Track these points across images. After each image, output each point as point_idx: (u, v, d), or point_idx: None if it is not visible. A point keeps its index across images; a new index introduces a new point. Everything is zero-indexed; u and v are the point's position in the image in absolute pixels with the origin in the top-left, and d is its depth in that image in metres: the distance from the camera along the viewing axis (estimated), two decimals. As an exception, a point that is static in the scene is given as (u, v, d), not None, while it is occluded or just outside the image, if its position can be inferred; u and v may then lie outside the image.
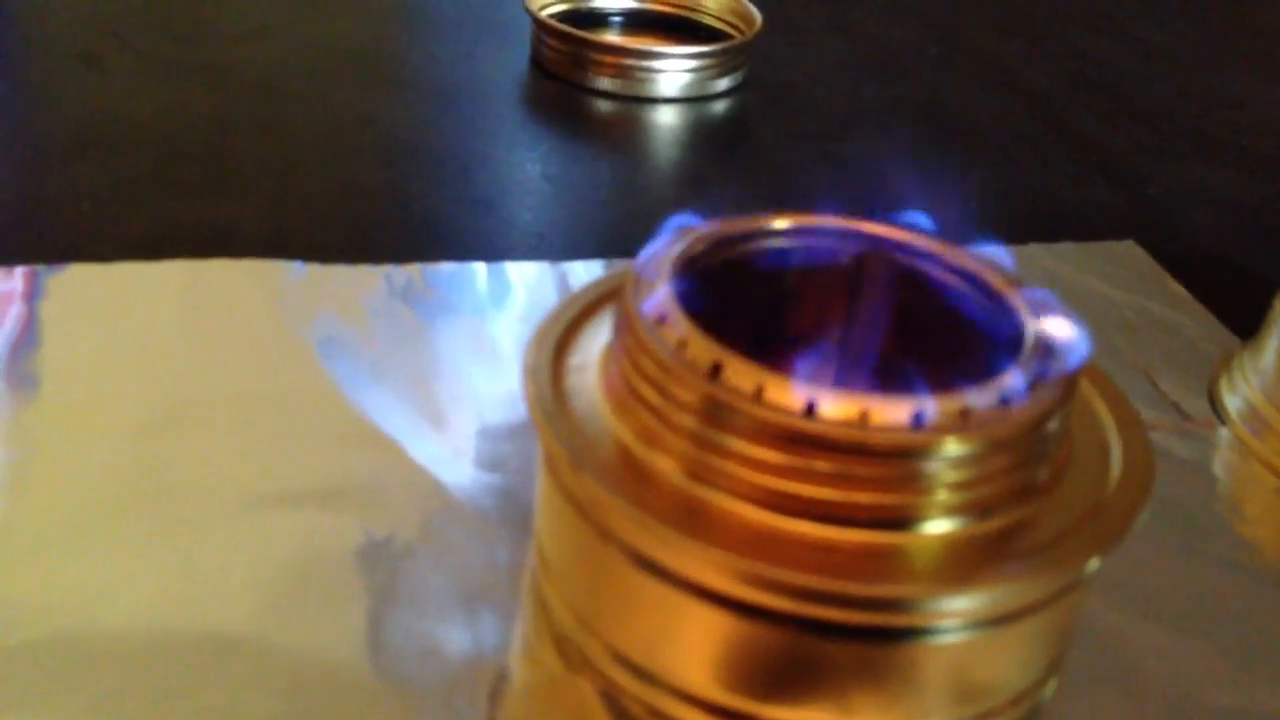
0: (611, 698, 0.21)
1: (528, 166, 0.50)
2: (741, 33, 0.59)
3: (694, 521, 0.19)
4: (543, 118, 0.56)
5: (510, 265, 0.41)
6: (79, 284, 0.38)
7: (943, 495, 0.19)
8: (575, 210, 0.48)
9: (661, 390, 0.20)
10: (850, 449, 0.18)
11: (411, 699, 0.26)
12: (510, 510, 0.31)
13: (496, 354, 0.37)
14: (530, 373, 0.21)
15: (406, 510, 0.31)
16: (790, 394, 0.19)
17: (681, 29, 0.61)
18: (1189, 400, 0.38)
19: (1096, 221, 0.50)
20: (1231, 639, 0.30)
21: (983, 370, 0.20)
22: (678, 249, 0.22)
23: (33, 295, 0.37)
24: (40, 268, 0.38)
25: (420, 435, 0.33)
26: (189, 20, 0.61)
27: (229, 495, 0.31)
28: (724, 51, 0.57)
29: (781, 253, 0.24)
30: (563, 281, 0.41)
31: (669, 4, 0.62)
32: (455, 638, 0.27)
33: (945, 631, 0.19)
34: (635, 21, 0.62)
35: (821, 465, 0.18)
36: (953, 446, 0.19)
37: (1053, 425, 0.20)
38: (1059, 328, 0.21)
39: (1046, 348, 0.20)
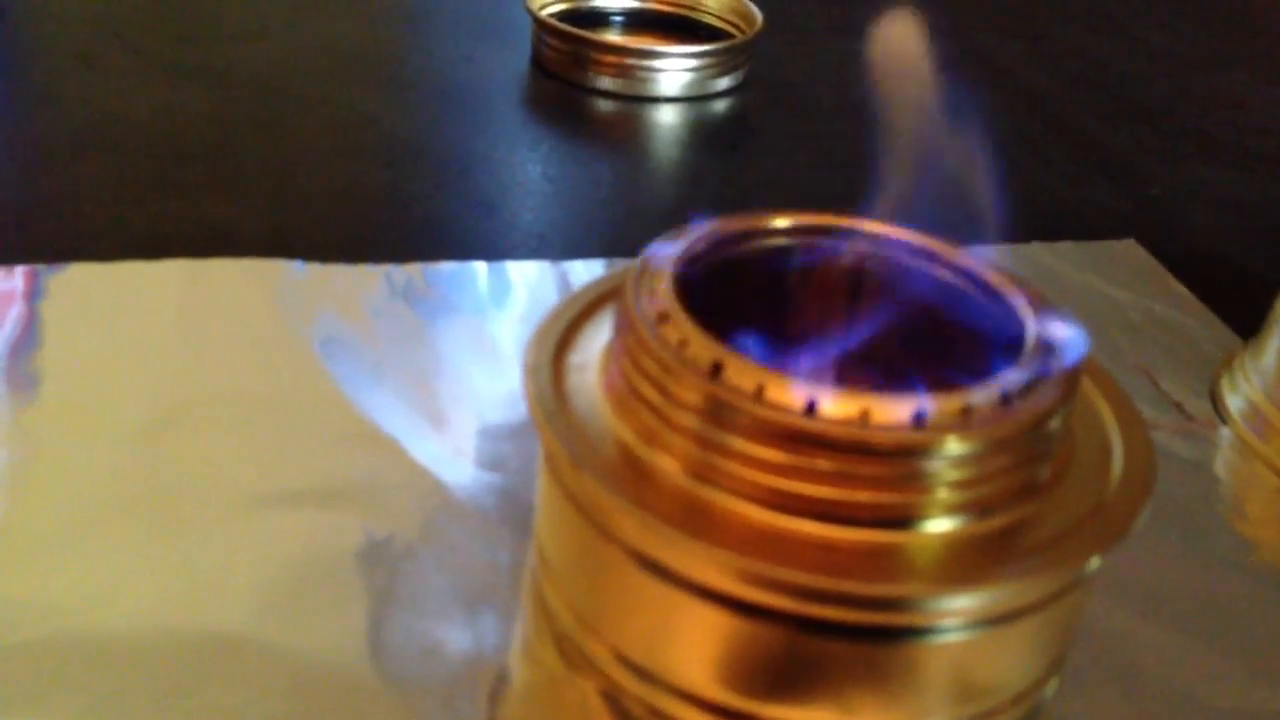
0: (612, 698, 0.21)
1: (528, 166, 0.50)
2: (742, 32, 0.59)
3: (695, 521, 0.19)
4: (543, 117, 0.56)
5: (511, 264, 0.41)
6: (79, 284, 0.38)
7: (944, 494, 0.19)
8: (576, 209, 0.48)
9: (662, 389, 0.20)
10: (851, 448, 0.18)
11: (412, 699, 0.26)
12: (511, 510, 0.31)
13: (497, 353, 0.37)
14: (531, 372, 0.21)
15: (407, 510, 0.31)
16: (791, 393, 0.19)
17: (682, 28, 0.61)
18: (1191, 400, 0.38)
19: (1098, 221, 0.50)
20: (1233, 639, 0.30)
21: (984, 369, 0.20)
22: (679, 248, 0.22)
23: (33, 295, 0.37)
24: (41, 267, 0.38)
25: (421, 435, 0.33)
26: (189, 20, 0.61)
27: (229, 495, 0.31)
28: (725, 51, 0.57)
29: (782, 251, 0.24)
30: (563, 281, 0.41)
31: (669, 3, 0.62)
32: (456, 638, 0.27)
33: (946, 631, 0.19)
34: (636, 21, 0.62)
35: (822, 464, 0.18)
36: (954, 445, 0.18)
37: (1054, 424, 0.20)
38: (1059, 326, 0.21)
39: (1047, 346, 0.20)
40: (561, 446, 0.20)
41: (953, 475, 0.19)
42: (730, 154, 0.54)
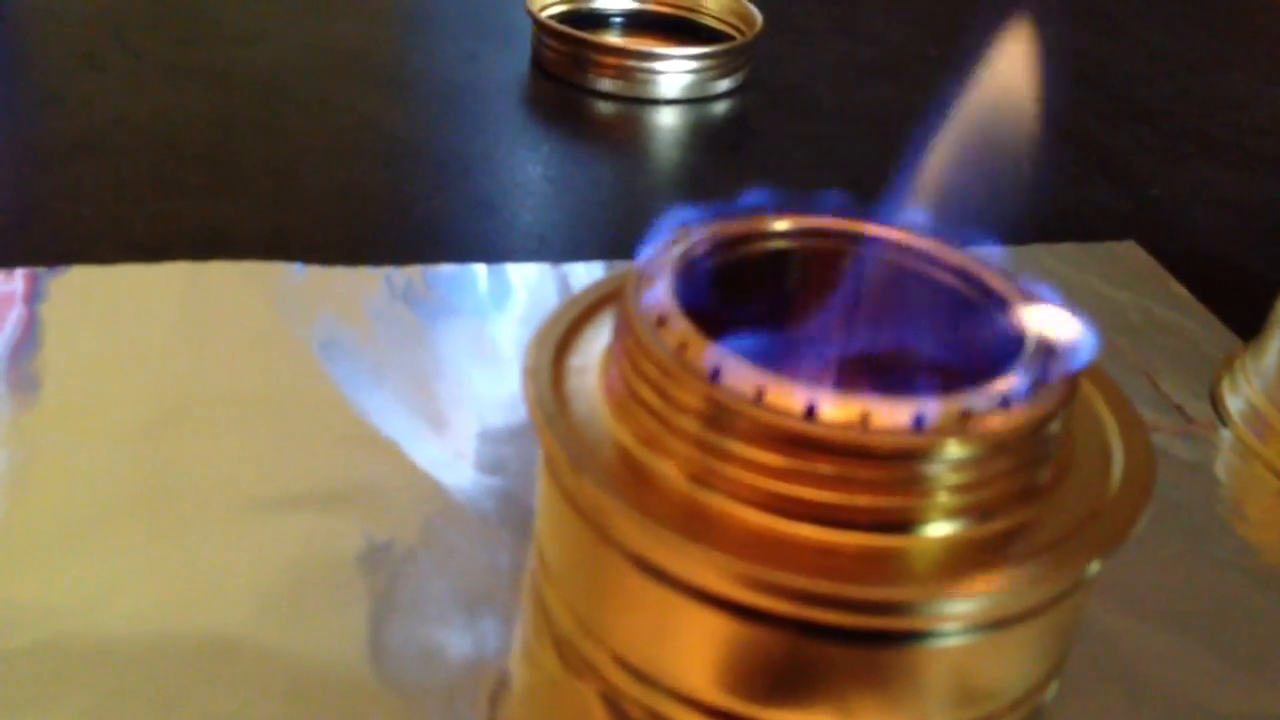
0: (612, 701, 0.21)
1: (528, 168, 0.50)
2: (742, 34, 0.59)
3: (694, 524, 0.19)
4: (543, 119, 0.56)
5: (511, 267, 0.41)
6: (79, 286, 0.38)
7: (943, 498, 0.19)
8: (576, 211, 0.48)
9: (662, 393, 0.20)
10: (851, 452, 0.18)
11: (412, 702, 0.26)
12: (511, 513, 0.31)
13: (497, 356, 0.37)
14: (531, 375, 0.21)
15: (407, 513, 0.31)
16: (791, 397, 0.19)
17: (682, 30, 0.61)
18: (1191, 402, 0.38)
19: (1098, 222, 0.50)
20: (1233, 642, 0.30)
21: (984, 372, 0.20)
22: (678, 250, 0.22)
23: (33, 297, 0.37)
24: (41, 270, 0.38)
25: (420, 437, 0.33)
26: (190, 22, 0.61)
27: (229, 498, 0.31)
28: (725, 53, 0.57)
29: (782, 254, 0.24)
30: (563, 283, 0.41)
31: (669, 5, 0.62)
32: (456, 641, 0.27)
33: (946, 635, 0.19)
34: (636, 22, 0.62)
35: (822, 468, 0.18)
36: (953, 449, 0.18)
37: (1054, 427, 0.20)
38: (1061, 329, 0.21)
39: (1048, 349, 0.20)
40: (561, 450, 0.20)
41: (952, 479, 0.19)
42: (730, 155, 0.54)
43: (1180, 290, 0.44)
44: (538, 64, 0.59)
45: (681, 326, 0.20)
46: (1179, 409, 0.38)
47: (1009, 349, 0.21)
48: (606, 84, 0.56)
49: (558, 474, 0.21)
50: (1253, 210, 0.52)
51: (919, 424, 0.18)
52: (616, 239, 0.45)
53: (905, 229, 0.23)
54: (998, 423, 0.19)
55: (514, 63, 0.59)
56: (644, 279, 0.21)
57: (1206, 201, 0.53)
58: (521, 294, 0.40)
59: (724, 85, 0.58)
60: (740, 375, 0.19)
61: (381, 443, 0.33)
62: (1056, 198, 0.52)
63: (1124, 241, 0.47)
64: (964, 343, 0.23)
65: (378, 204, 0.46)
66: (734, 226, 0.23)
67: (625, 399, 0.20)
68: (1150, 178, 0.54)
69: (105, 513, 0.30)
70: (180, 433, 0.33)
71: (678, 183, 0.52)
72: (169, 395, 0.34)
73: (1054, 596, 0.20)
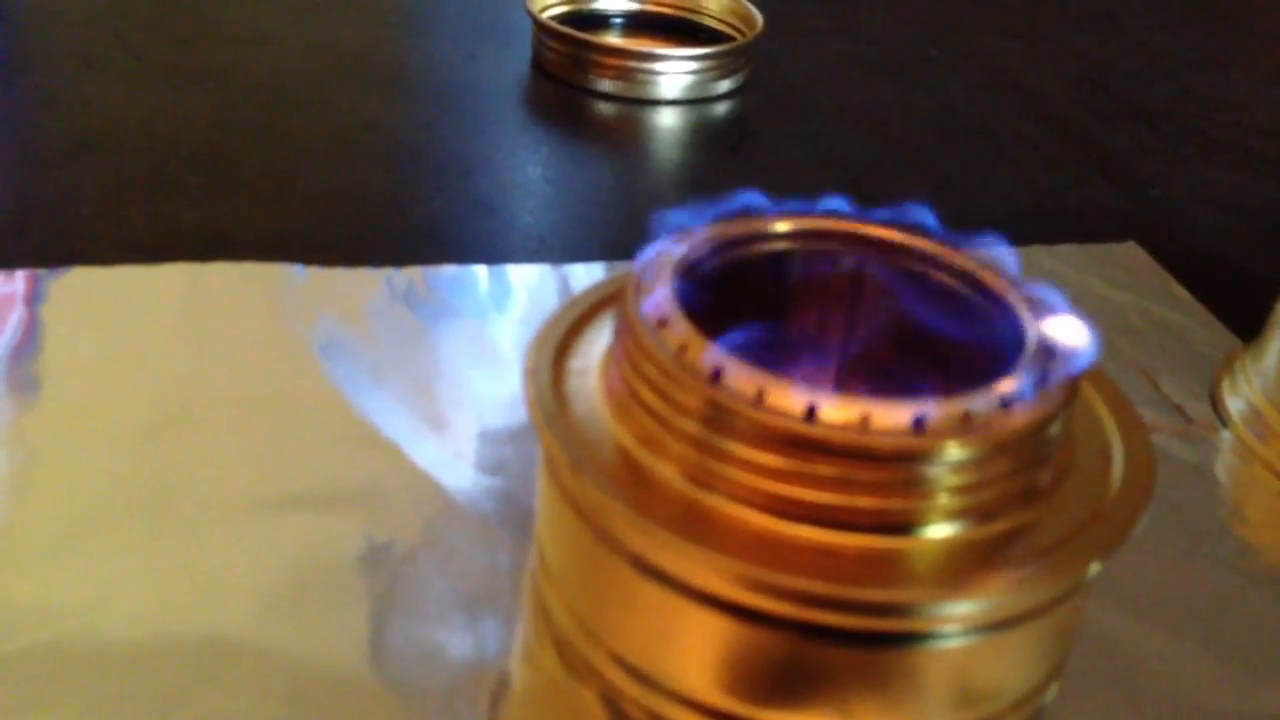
0: (612, 702, 0.21)
1: (529, 169, 0.50)
2: (743, 34, 0.59)
3: (695, 526, 0.19)
4: (544, 120, 0.56)
5: (511, 268, 0.41)
6: (80, 287, 0.38)
7: (944, 499, 0.19)
8: (576, 212, 0.48)
9: (662, 394, 0.20)
10: (851, 453, 0.18)
11: (413, 703, 0.26)
12: (511, 514, 0.31)
13: (497, 357, 0.37)
14: (531, 376, 0.21)
15: (407, 514, 0.31)
16: (791, 398, 0.19)
17: (682, 30, 0.61)
18: (1191, 403, 0.38)
19: (1098, 223, 0.50)
20: (1234, 642, 0.30)
21: (984, 374, 0.20)
22: (678, 252, 0.22)
23: (34, 299, 0.37)
24: (41, 271, 0.38)
25: (421, 438, 0.33)
26: (190, 23, 0.61)
27: (229, 499, 0.31)
28: (725, 53, 0.57)
29: (783, 255, 0.24)
30: (564, 284, 0.41)
31: (670, 6, 0.62)
32: (456, 642, 0.27)
33: (946, 636, 0.19)
34: (636, 23, 0.62)
35: (822, 470, 0.18)
36: (954, 451, 0.18)
37: (1054, 429, 0.20)
38: (1062, 330, 0.21)
39: (1048, 351, 0.20)
40: (561, 451, 0.20)
41: (953, 481, 0.19)
42: (731, 156, 0.54)
43: (1180, 291, 0.44)
44: (538, 65, 0.59)
45: (682, 328, 0.20)
46: (1179, 410, 0.38)
47: (1009, 350, 0.21)
48: (607, 85, 0.57)
49: (558, 475, 0.21)
50: (1253, 211, 0.52)
51: (919, 425, 0.18)
52: (617, 240, 0.45)
53: (906, 230, 0.23)
54: (998, 424, 0.19)
55: (514, 64, 0.60)
56: (644, 280, 0.21)
57: (1207, 202, 0.53)
58: (522, 295, 0.40)
59: (724, 86, 0.58)
60: (741, 377, 0.19)
61: (382, 443, 0.33)
62: (1057, 198, 0.52)
63: (1124, 242, 0.47)
64: (964, 344, 0.23)
65: (378, 205, 0.46)
66: (734, 228, 0.23)
67: (625, 400, 0.20)
68: (1150, 178, 0.54)
69: (105, 514, 0.30)
70: (181, 434, 0.33)
71: (678, 183, 0.52)
72: (169, 396, 0.34)
73: (1054, 598, 0.20)
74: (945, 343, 0.23)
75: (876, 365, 0.24)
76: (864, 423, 0.18)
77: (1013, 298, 0.22)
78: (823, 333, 0.24)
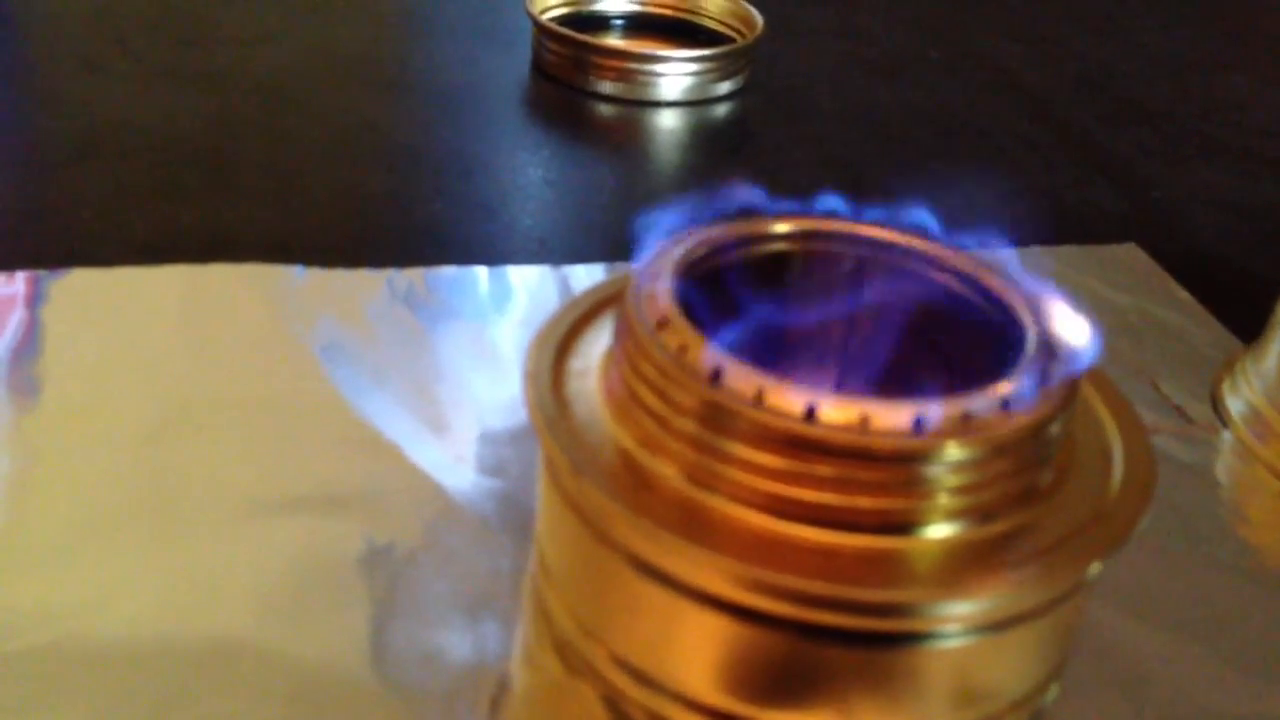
0: (613, 703, 0.21)
1: (529, 170, 0.50)
2: (743, 36, 0.59)
3: (695, 527, 0.19)
4: (544, 121, 0.56)
5: (512, 269, 0.41)
6: (81, 289, 0.38)
7: (944, 500, 0.19)
8: (577, 214, 0.48)
9: (662, 395, 0.20)
10: (851, 454, 0.18)
11: (413, 705, 0.26)
12: (512, 515, 0.31)
13: (498, 358, 0.37)
14: (531, 378, 0.21)
15: (408, 516, 0.31)
16: (791, 398, 0.19)
17: (683, 32, 0.61)
18: (1191, 404, 0.38)
19: (1098, 224, 0.50)
20: (1234, 643, 0.30)
21: (984, 374, 0.20)
22: (678, 252, 0.22)
23: (34, 300, 0.37)
24: (42, 273, 0.38)
25: (421, 440, 0.33)
26: (191, 25, 0.61)
27: (230, 501, 0.31)
28: (725, 55, 0.57)
29: (783, 256, 0.24)
30: (564, 285, 0.41)
31: (670, 7, 0.62)
32: (457, 644, 0.27)
33: (947, 636, 0.19)
34: (636, 25, 0.62)
35: (822, 470, 0.18)
36: (954, 451, 0.18)
37: (1054, 429, 0.20)
38: (1062, 331, 0.21)
39: (1048, 351, 0.20)
40: (561, 452, 0.20)
41: (953, 481, 0.19)
42: (731, 158, 0.54)
43: (1181, 292, 0.44)
44: (538, 66, 0.59)
45: (682, 329, 0.20)
46: (1179, 411, 0.38)
47: (1010, 351, 0.21)
48: (607, 86, 0.57)
49: (558, 477, 0.21)
50: (1253, 212, 0.52)
51: (919, 426, 0.18)
52: (617, 241, 0.45)
53: (906, 231, 0.23)
54: (998, 425, 0.19)
55: (514, 65, 0.60)
56: (644, 282, 0.21)
57: (1207, 204, 0.53)
58: (522, 296, 0.40)
59: (724, 87, 0.58)
60: (740, 377, 0.19)
61: (382, 445, 0.33)
62: (1057, 200, 0.52)
63: (1125, 244, 0.47)
64: (964, 344, 0.23)
65: (378, 207, 0.46)
66: (734, 229, 0.23)
67: (626, 401, 0.20)
68: (1151, 180, 0.54)
69: (106, 516, 0.30)
70: (181, 435, 0.33)
71: (678, 185, 0.52)
72: (170, 398, 0.34)
73: (1054, 598, 0.20)
74: (945, 343, 0.23)
75: (876, 365, 0.24)
76: (864, 423, 0.18)
77: (1013, 298, 0.22)
78: (822, 333, 0.24)
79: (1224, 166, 0.56)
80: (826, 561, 0.18)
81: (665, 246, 0.22)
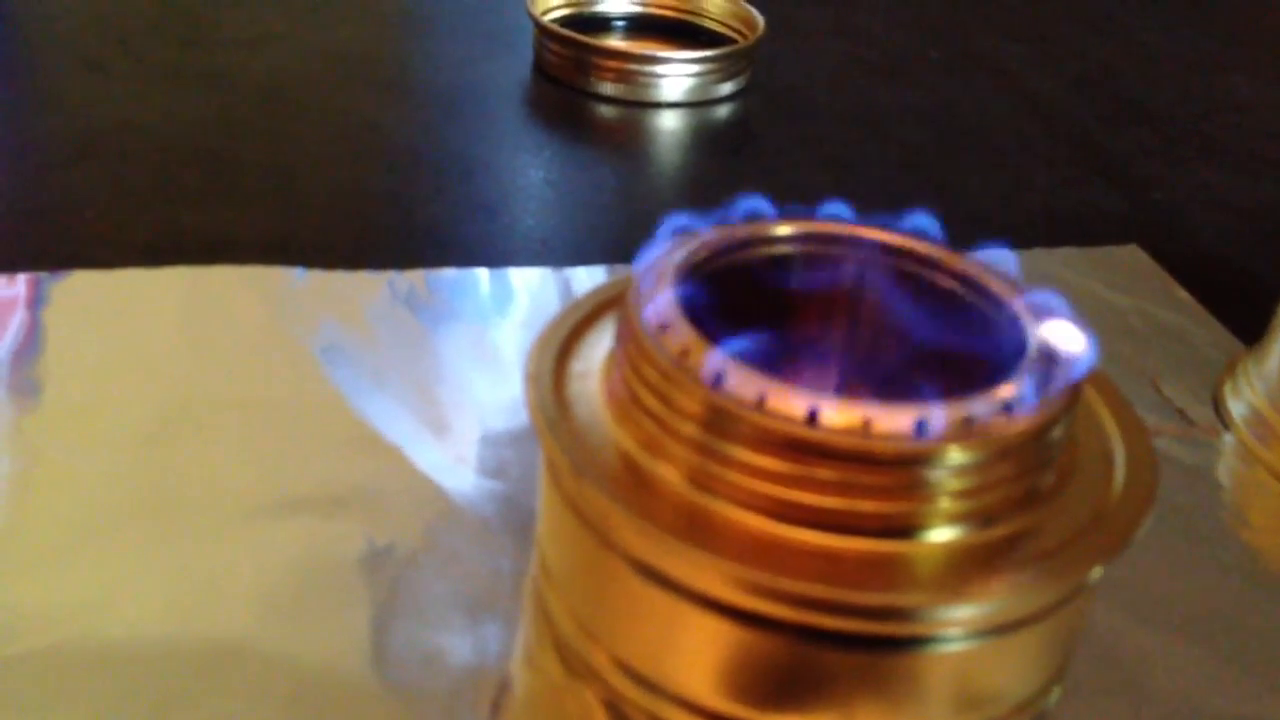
0: (614, 706, 0.21)
1: (530, 172, 0.50)
2: (744, 37, 0.59)
3: (696, 530, 0.19)
4: (545, 123, 0.56)
5: (513, 271, 0.41)
6: (81, 290, 0.38)
7: (946, 503, 0.19)
8: (578, 215, 0.48)
9: (664, 398, 0.19)
10: (853, 457, 0.18)
11: (414, 707, 0.26)
12: (512, 517, 0.31)
13: (499, 360, 0.37)
14: (532, 379, 0.21)
15: (408, 517, 0.31)
16: (793, 402, 0.19)
17: (684, 33, 0.61)
18: (1193, 406, 0.38)
19: (1100, 226, 0.50)
20: (1236, 646, 0.30)
21: (986, 378, 0.20)
22: (680, 255, 0.22)
23: (35, 302, 0.37)
24: (43, 274, 0.38)
25: (422, 442, 0.33)
26: (192, 26, 0.61)
27: (231, 502, 0.31)
28: (727, 56, 0.57)
29: (784, 259, 0.24)
30: (565, 287, 0.41)
31: (671, 8, 0.62)
32: (458, 645, 0.27)
33: (948, 640, 0.19)
34: (637, 26, 0.62)
35: (824, 473, 0.18)
36: (956, 454, 0.18)
37: (1056, 432, 0.20)
38: (1063, 334, 0.21)
39: (1050, 355, 0.20)
40: (563, 455, 0.20)
41: (955, 484, 0.19)
42: (732, 158, 0.54)
43: (1182, 294, 0.44)
44: (539, 68, 0.59)
45: (684, 332, 0.20)
46: (1181, 413, 0.38)
47: (1011, 354, 0.21)
48: (608, 87, 0.57)
49: (559, 479, 0.21)
50: (1255, 213, 0.52)
51: (921, 429, 0.18)
52: (618, 243, 0.45)
53: (907, 234, 0.23)
54: (1000, 428, 0.19)
55: (516, 66, 0.60)
56: (646, 284, 0.21)
57: (1208, 205, 0.52)
58: (523, 298, 0.40)
59: (726, 88, 0.58)
60: (742, 381, 0.19)
61: (383, 447, 0.33)
62: (1058, 201, 0.52)
63: (1126, 245, 0.47)
64: (966, 348, 0.22)
65: (379, 208, 0.46)
66: (736, 231, 0.23)
67: (627, 404, 0.20)
68: (1152, 181, 0.54)
69: (107, 517, 0.30)
70: (182, 437, 0.33)
71: (679, 186, 0.52)
72: (171, 399, 0.34)
73: (1056, 602, 0.20)
74: (947, 346, 0.23)
75: (878, 369, 0.24)
76: (866, 427, 0.18)
77: (1014, 302, 0.22)
78: (824, 336, 0.24)
79: (1225, 167, 0.56)
80: (828, 565, 0.18)
81: (667, 249, 0.22)
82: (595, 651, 0.21)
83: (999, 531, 0.19)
